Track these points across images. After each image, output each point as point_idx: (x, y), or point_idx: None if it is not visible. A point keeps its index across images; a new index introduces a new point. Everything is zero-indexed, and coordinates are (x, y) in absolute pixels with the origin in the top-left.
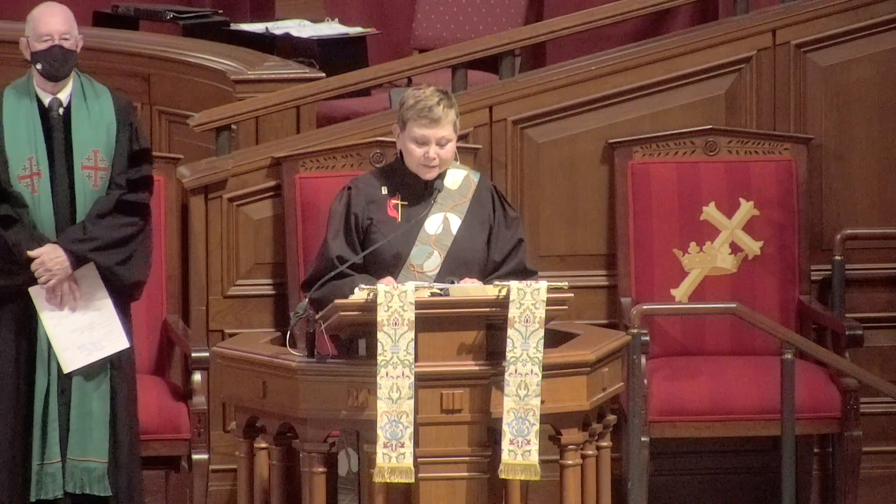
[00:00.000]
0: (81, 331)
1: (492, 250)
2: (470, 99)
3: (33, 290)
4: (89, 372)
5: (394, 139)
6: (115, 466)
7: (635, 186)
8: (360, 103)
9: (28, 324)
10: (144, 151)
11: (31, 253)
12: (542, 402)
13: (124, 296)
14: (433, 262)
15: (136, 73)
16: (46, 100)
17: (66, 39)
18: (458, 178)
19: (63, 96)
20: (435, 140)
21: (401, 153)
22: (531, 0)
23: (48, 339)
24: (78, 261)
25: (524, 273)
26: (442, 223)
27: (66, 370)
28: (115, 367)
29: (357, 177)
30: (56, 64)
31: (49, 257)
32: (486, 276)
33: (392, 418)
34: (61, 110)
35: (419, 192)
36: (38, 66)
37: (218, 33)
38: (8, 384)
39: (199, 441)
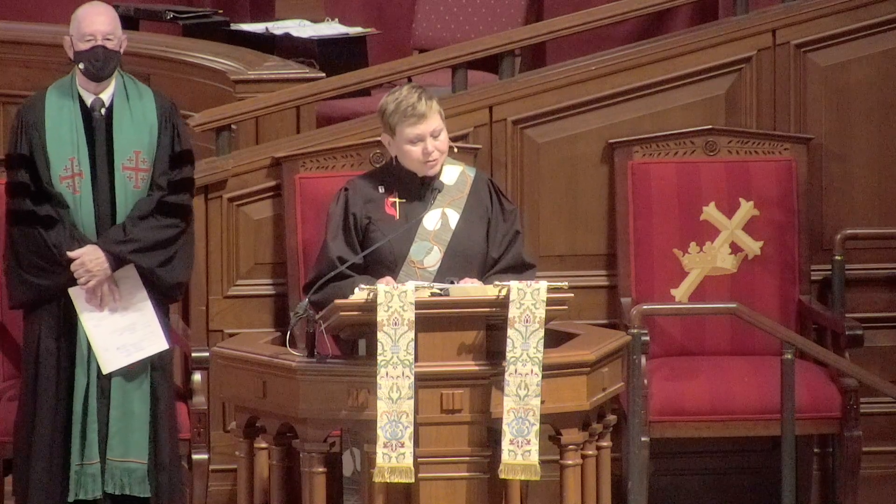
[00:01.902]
0: (121, 332)
1: (490, 245)
2: (470, 99)
3: (73, 291)
4: (130, 372)
5: (387, 147)
6: (155, 467)
7: (635, 186)
8: (360, 103)
9: (68, 324)
10: (186, 153)
11: (71, 254)
12: (542, 402)
13: (165, 297)
14: (433, 258)
15: (136, 73)
16: (89, 100)
17: (109, 40)
18: (454, 174)
19: (105, 96)
20: (429, 133)
21: (396, 158)
22: (531, 0)
23: (88, 339)
24: (118, 262)
25: (522, 266)
26: (440, 219)
27: (105, 371)
28: (156, 368)
29: (353, 178)
30: (98, 64)
31: (89, 258)
32: (485, 270)
33: (392, 418)
34: (103, 111)
35: (416, 188)
36: (81, 66)
37: (218, 33)
38: (48, 384)
39: (199, 441)
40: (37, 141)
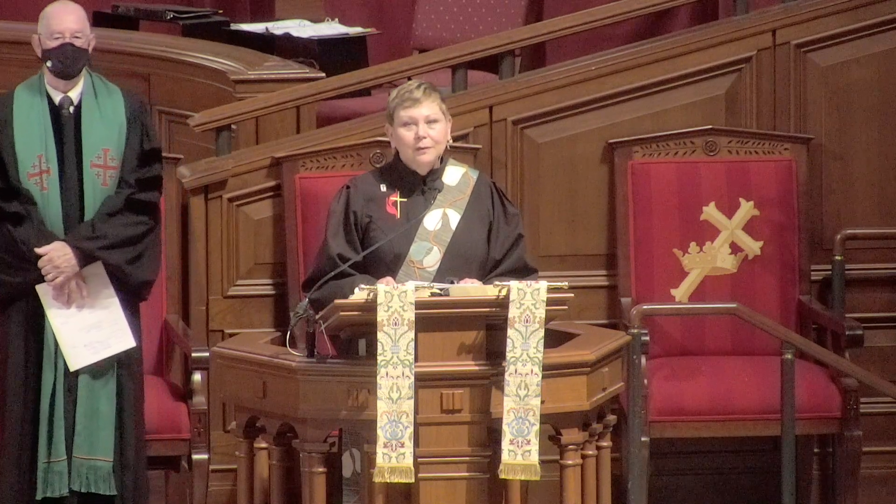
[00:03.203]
0: (88, 329)
1: (492, 247)
2: (470, 99)
3: (40, 288)
4: (97, 370)
5: (389, 139)
6: (121, 466)
7: (635, 186)
8: (360, 103)
9: (36, 321)
10: (155, 151)
11: (38, 250)
12: (542, 402)
13: (133, 295)
14: (433, 259)
15: (136, 73)
16: (57, 98)
17: (77, 38)
18: (456, 175)
19: (74, 94)
20: (422, 119)
21: (397, 152)
22: (531, 0)
23: (55, 336)
24: (86, 258)
25: (524, 270)
26: (441, 219)
27: (72, 368)
28: (123, 366)
29: (355, 176)
30: (67, 62)
31: (57, 254)
32: (486, 272)
33: (392, 418)
34: (72, 108)
35: (418, 188)
36: (49, 64)
37: (218, 33)
38: (16, 381)
39: (199, 441)
40: (5, 138)
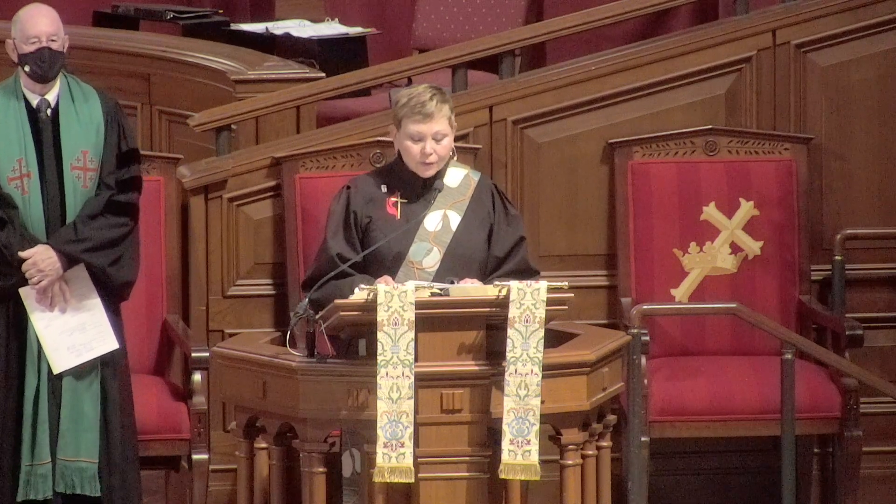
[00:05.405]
0: (71, 332)
1: (493, 247)
2: (470, 99)
3: (23, 291)
4: (80, 372)
5: (392, 139)
6: (107, 467)
7: (635, 186)
8: (360, 103)
9: (19, 325)
10: (133, 152)
11: (22, 254)
12: (542, 402)
13: (114, 296)
14: (432, 259)
15: (136, 73)
16: (34, 101)
17: (53, 41)
18: (458, 177)
19: (51, 97)
20: (430, 135)
21: (399, 153)
22: (531, 0)
23: (38, 340)
24: (70, 261)
25: (527, 272)
26: (441, 220)
27: (55, 371)
28: (107, 367)
29: (356, 176)
30: (45, 66)
31: (41, 258)
32: (486, 273)
33: (392, 418)
34: (49, 111)
35: (418, 189)
36: (27, 69)
37: (218, 33)
38: None
39: (199, 441)
40: None
